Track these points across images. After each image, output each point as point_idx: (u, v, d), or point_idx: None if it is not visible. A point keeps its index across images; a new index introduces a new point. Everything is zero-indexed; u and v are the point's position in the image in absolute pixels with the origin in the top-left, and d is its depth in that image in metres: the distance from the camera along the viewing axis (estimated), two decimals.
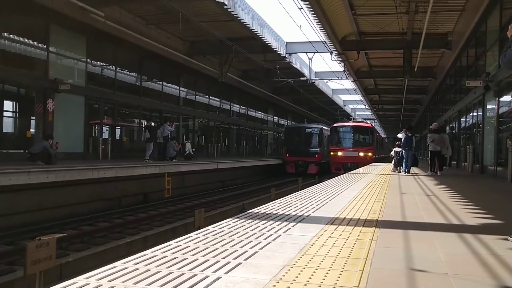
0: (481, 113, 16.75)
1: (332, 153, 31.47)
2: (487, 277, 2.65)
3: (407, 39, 19.97)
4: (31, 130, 17.06)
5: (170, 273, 2.58)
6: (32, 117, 17.08)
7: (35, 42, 16.87)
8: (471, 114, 19.31)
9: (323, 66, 72.11)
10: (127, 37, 18.34)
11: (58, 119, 16.93)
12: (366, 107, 49.56)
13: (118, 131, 23.05)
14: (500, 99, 13.89)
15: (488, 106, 15.83)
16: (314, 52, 26.54)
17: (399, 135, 16.23)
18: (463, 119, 21.81)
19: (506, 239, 3.78)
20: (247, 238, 3.63)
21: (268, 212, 5.15)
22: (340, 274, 2.63)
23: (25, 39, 16.53)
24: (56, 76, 16.69)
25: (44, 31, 16.61)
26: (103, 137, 20.30)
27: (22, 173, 10.66)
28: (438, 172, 14.50)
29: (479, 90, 15.67)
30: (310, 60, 29.63)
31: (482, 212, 5.73)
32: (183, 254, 3.04)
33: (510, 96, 13.12)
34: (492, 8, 14.58)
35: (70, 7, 15.29)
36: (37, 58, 16.81)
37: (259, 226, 4.19)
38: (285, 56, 26.93)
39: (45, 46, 16.83)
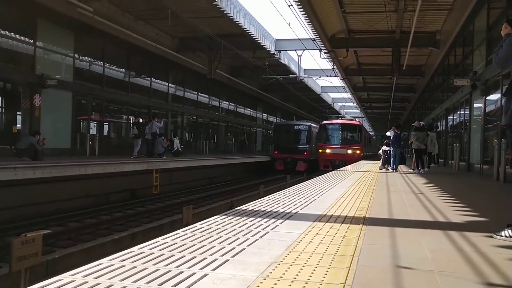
0: (468, 112, 16.92)
1: (320, 151, 31.58)
2: (472, 274, 2.68)
3: (395, 38, 20.08)
4: (17, 125, 16.87)
5: (157, 270, 2.57)
6: (18, 113, 16.88)
7: (21, 37, 16.67)
8: (458, 112, 19.49)
9: (312, 64, 72.36)
10: (116, 32, 18.18)
11: (45, 115, 16.77)
12: (355, 105, 49.83)
13: (106, 127, 22.89)
14: (487, 98, 14.04)
15: (475, 105, 15.99)
16: (303, 50, 26.58)
17: (388, 133, 16.34)
18: (450, 117, 22.01)
19: (491, 237, 3.82)
20: (234, 235, 3.63)
21: (256, 209, 5.15)
22: (327, 271, 2.64)
23: (12, 34, 16.32)
24: (43, 71, 16.53)
25: (31, 25, 16.41)
26: (90, 133, 20.16)
27: (8, 169, 10.54)
28: (422, 170, 14.62)
29: (466, 88, 15.81)
30: (299, 58, 29.67)
31: (468, 209, 5.79)
32: (170, 251, 3.03)
33: (497, 95, 13.26)
34: (480, 8, 14.71)
35: (58, 1, 15.12)
36: (23, 53, 16.61)
37: (247, 223, 4.19)
38: (274, 53, 26.93)
39: (32, 41, 16.64)
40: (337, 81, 35.76)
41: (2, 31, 15.83)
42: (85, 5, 15.78)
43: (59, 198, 12.82)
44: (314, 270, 2.65)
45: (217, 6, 18.49)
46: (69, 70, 18.84)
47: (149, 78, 25.14)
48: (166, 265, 2.67)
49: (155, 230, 10.95)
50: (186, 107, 30.00)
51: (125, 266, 2.63)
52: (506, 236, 3.73)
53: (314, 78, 37.33)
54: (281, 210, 5.09)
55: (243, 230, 3.83)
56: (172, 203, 15.55)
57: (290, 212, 4.99)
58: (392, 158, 15.42)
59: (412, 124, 16.21)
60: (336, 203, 5.94)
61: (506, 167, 11.07)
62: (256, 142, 45.46)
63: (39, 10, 15.59)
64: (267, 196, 6.51)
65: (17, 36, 16.53)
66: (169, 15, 16.68)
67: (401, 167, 16.70)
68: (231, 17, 20.15)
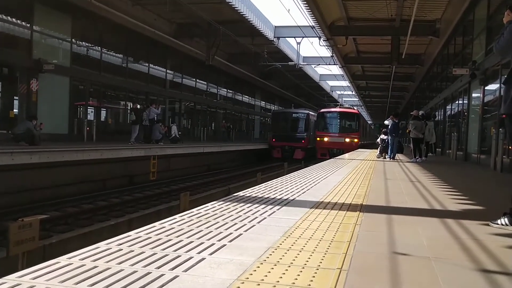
0: (466, 101, 16.91)
1: (318, 139, 31.58)
2: (468, 261, 2.69)
3: (395, 26, 19.99)
4: (14, 110, 16.83)
5: (154, 253, 2.57)
6: (15, 97, 16.82)
7: (18, 21, 16.52)
8: (457, 102, 19.49)
9: (311, 51, 72.15)
10: (113, 17, 18.06)
11: (42, 100, 16.70)
12: (353, 93, 49.76)
13: (103, 113, 22.83)
14: (486, 88, 14.02)
15: (474, 95, 15.99)
16: (303, 37, 26.50)
17: (386, 122, 16.32)
18: (448, 106, 22.00)
19: (487, 225, 3.84)
20: (232, 220, 3.63)
21: (254, 195, 5.16)
22: (324, 256, 2.65)
23: (8, 17, 16.17)
24: (40, 56, 16.41)
25: (28, 9, 16.27)
26: (88, 118, 20.10)
27: (5, 154, 10.51)
28: (419, 158, 14.67)
29: (465, 78, 15.79)
30: (298, 45, 29.59)
31: (465, 198, 5.81)
32: (168, 235, 3.04)
33: (496, 84, 13.25)
34: None
35: None
36: (20, 37, 16.49)
37: (244, 209, 4.19)
38: (273, 40, 26.83)
39: (29, 25, 16.50)
40: (336, 69, 35.75)
41: None
42: None
43: (56, 183, 12.81)
44: (311, 255, 2.66)
45: None
46: (66, 55, 18.72)
47: (147, 64, 25.01)
48: (164, 249, 2.67)
49: (152, 216, 10.96)
50: (184, 94, 29.92)
51: (122, 250, 2.64)
52: (502, 224, 3.75)
53: (313, 66, 37.26)
54: (278, 197, 5.09)
55: (240, 216, 3.83)
56: (170, 190, 15.57)
57: (287, 198, 5.00)
58: (389, 146, 15.44)
59: (411, 113, 16.21)
60: (333, 190, 5.95)
61: (504, 156, 11.10)
62: (254, 130, 45.42)
63: None
64: (265, 183, 6.51)
65: (13, 20, 16.39)
66: (167, 0, 16.53)
67: (399, 156, 16.73)
68: (230, 3, 20.04)
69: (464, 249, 3.00)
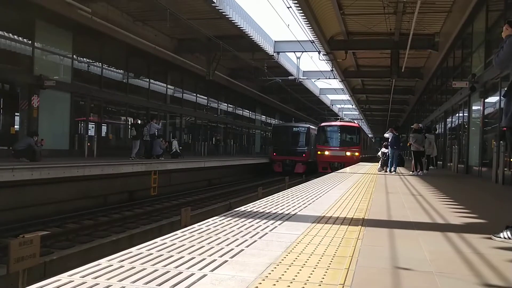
0: (466, 114, 16.93)
1: (319, 152, 31.57)
2: (471, 275, 2.67)
3: (394, 40, 20.10)
4: (15, 126, 16.86)
5: (156, 270, 2.56)
6: (16, 114, 16.87)
7: (20, 38, 16.65)
8: (457, 114, 19.51)
9: (311, 66, 72.42)
10: (114, 33, 18.19)
11: (43, 116, 16.75)
12: (354, 107, 49.85)
13: (104, 128, 22.87)
14: (486, 100, 14.05)
15: (474, 107, 16.01)
16: (302, 51, 26.63)
17: (386, 135, 16.33)
18: (449, 119, 22.03)
19: (490, 238, 3.82)
20: (233, 236, 3.62)
21: (255, 210, 5.14)
22: (326, 272, 2.63)
23: (10, 34, 16.30)
24: (42, 72, 16.51)
25: (29, 26, 16.40)
26: (89, 134, 20.12)
27: (5, 170, 10.51)
28: (420, 172, 14.66)
29: (465, 91, 15.83)
30: (298, 59, 29.74)
31: (467, 211, 5.79)
32: (169, 251, 3.02)
33: (495, 97, 13.28)
34: (478, 10, 14.74)
35: (56, 2, 15.12)
36: (22, 54, 16.61)
37: (245, 224, 4.18)
38: (273, 55, 26.96)
39: (30, 42, 16.62)
40: (336, 83, 35.85)
41: (0, 32, 15.81)
42: (84, 6, 15.79)
43: (57, 199, 12.79)
44: (313, 271, 2.64)
45: (216, 7, 18.53)
46: (67, 71, 18.82)
47: (147, 79, 25.12)
48: (165, 266, 2.66)
49: (154, 231, 10.92)
50: (184, 109, 29.99)
51: (123, 266, 2.62)
52: (505, 238, 3.73)
53: (313, 80, 37.39)
54: (280, 212, 5.08)
55: (241, 231, 3.82)
56: (171, 205, 15.52)
57: (289, 213, 4.98)
58: (390, 159, 15.43)
59: (411, 126, 16.22)
60: (335, 204, 5.93)
61: (505, 169, 11.08)
62: (255, 144, 45.45)
63: (37, 11, 15.60)
64: (266, 198, 6.50)
65: (15, 37, 16.51)
66: (168, 16, 16.67)
67: (400, 169, 16.70)
68: (230, 19, 20.18)
69: (467, 263, 2.99)
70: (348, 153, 30.85)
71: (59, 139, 18.06)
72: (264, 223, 4.26)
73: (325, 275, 2.57)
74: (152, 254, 2.94)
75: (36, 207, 12.00)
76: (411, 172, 15.11)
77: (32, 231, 9.02)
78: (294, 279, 2.47)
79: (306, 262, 2.85)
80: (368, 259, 3.01)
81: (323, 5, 17.25)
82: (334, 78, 30.42)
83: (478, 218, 5.29)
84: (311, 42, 21.27)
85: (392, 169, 15.42)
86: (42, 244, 7.47)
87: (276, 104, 43.39)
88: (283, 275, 2.54)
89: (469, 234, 4.04)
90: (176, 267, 2.65)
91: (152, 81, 25.54)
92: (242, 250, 3.13)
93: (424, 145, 15.10)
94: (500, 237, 3.76)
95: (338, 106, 58.21)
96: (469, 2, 14.67)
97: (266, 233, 3.77)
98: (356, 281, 2.48)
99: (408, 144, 15.59)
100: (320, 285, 2.38)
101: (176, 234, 3.62)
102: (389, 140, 15.57)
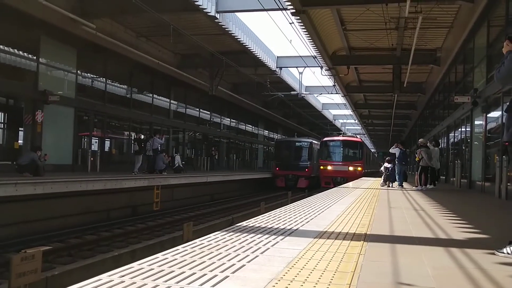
0: (469, 129, 16.92)
1: (322, 167, 31.54)
2: None
3: (396, 55, 20.18)
4: (19, 141, 16.90)
5: (156, 286, 2.55)
6: (20, 128, 16.94)
7: (25, 53, 16.80)
8: (460, 129, 19.50)
9: (314, 81, 72.75)
10: (118, 49, 18.35)
11: (47, 131, 16.82)
12: (356, 121, 49.86)
13: (107, 143, 22.92)
14: (488, 115, 14.05)
15: (476, 122, 16.00)
16: (305, 67, 26.75)
17: (393, 150, 16.22)
18: (451, 134, 22.01)
19: (493, 254, 3.79)
20: (234, 251, 3.61)
21: (257, 225, 5.13)
22: (328, 287, 2.62)
23: (15, 50, 16.45)
24: (46, 87, 16.61)
25: (34, 42, 16.55)
26: (92, 149, 20.16)
27: (9, 185, 10.52)
28: (424, 187, 14.64)
29: (467, 106, 15.84)
30: (300, 75, 29.85)
31: (470, 226, 5.76)
32: (170, 267, 3.02)
33: (498, 112, 13.28)
34: (480, 26, 14.82)
35: (61, 18, 15.28)
36: (26, 69, 16.73)
37: (247, 240, 4.17)
38: (275, 70, 27.09)
39: (35, 57, 16.76)
40: (338, 98, 35.92)
41: (5, 47, 15.97)
42: (88, 22, 15.96)
43: (60, 214, 12.78)
44: (315, 286, 2.63)
45: (219, 23, 18.66)
46: (71, 86, 18.94)
47: (150, 95, 25.25)
48: (166, 281, 2.65)
49: (156, 246, 10.88)
50: (187, 124, 30.07)
51: (124, 282, 2.62)
52: (508, 253, 3.70)
53: (315, 95, 37.48)
54: (282, 227, 5.07)
55: (243, 247, 3.81)
56: (173, 220, 15.50)
57: (291, 228, 4.97)
58: (397, 174, 15.43)
59: (419, 141, 16.18)
60: (337, 219, 5.91)
61: (508, 184, 11.02)
62: (258, 159, 45.43)
63: (42, 27, 15.75)
64: (268, 213, 6.48)
65: (20, 52, 16.66)
66: (171, 32, 16.81)
67: (403, 184, 16.63)
68: (232, 34, 20.32)
69: (470, 279, 2.97)
70: (351, 168, 30.82)
71: (62, 154, 18.10)
72: (266, 238, 4.25)
73: None
74: (153, 269, 2.94)
75: (39, 222, 12.00)
76: (415, 187, 15.06)
77: (35, 246, 9.01)
78: None
79: (308, 277, 2.84)
80: (370, 274, 2.99)
81: (325, 21, 17.39)
82: (337, 93, 30.52)
83: (481, 233, 5.26)
84: (314, 57, 21.38)
85: (398, 183, 15.39)
86: (44, 259, 7.45)
87: (278, 119, 43.49)
88: None
89: (472, 249, 4.02)
90: (177, 282, 2.64)
91: (155, 96, 25.66)
92: (244, 265, 3.12)
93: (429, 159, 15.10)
94: (504, 253, 3.73)
95: (341, 121, 58.24)
96: (470, 18, 14.76)
97: (268, 248, 3.76)
98: None
99: (416, 159, 15.51)
100: None
101: (178, 249, 3.62)
102: (397, 155, 15.54)
